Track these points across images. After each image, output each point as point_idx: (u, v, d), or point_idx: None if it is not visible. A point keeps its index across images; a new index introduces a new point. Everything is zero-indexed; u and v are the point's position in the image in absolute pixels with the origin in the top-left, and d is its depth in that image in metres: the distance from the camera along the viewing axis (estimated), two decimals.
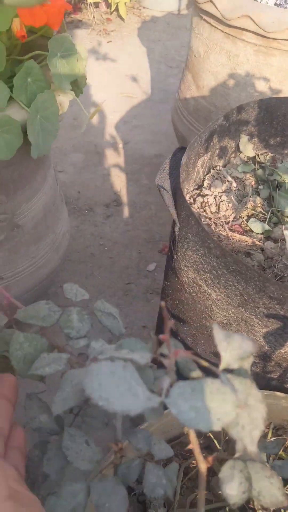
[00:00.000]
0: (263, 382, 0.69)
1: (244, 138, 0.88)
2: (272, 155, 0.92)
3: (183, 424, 0.28)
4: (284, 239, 0.74)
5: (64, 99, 0.85)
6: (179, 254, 0.70)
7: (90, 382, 0.29)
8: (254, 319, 0.62)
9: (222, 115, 0.82)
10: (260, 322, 0.62)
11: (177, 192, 0.69)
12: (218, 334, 0.32)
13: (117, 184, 1.61)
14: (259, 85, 1.17)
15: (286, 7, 1.16)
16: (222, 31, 1.14)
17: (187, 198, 0.81)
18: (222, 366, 0.32)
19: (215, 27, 1.16)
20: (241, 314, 0.63)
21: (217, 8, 1.10)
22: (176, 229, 0.70)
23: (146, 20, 2.58)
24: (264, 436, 0.70)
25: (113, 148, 1.76)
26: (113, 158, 1.72)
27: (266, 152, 0.92)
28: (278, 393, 0.65)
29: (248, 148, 0.88)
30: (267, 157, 0.90)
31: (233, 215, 0.80)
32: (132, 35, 2.47)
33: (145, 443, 0.42)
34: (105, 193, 1.57)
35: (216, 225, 0.77)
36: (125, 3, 2.42)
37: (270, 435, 0.68)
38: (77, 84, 0.89)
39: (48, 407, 0.40)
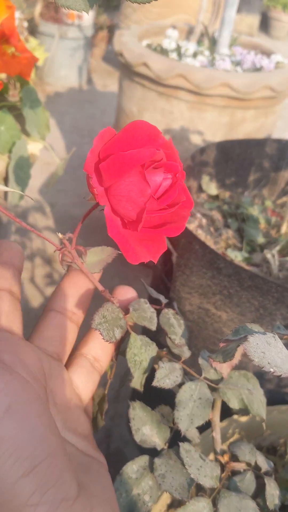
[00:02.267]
0: (279, 397, 0.69)
1: (205, 178, 0.94)
2: (229, 193, 0.98)
3: None
4: (268, 262, 0.78)
5: (35, 148, 0.85)
6: (178, 283, 0.71)
7: (255, 352, 0.28)
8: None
9: (189, 156, 0.86)
10: None
11: None
12: None
13: (51, 247, 1.59)
14: (194, 138, 1.26)
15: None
16: (156, 91, 1.23)
17: None
18: None
19: (149, 87, 1.24)
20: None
21: (151, 69, 1.18)
22: (174, 258, 0.71)
23: (50, 95, 2.68)
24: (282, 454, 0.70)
25: (41, 211, 1.75)
26: (43, 220, 1.71)
27: (223, 191, 0.98)
28: None
29: (211, 187, 0.94)
30: (226, 195, 0.96)
31: (214, 247, 0.83)
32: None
33: (251, 455, 0.40)
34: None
35: None
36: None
37: None
38: (40, 134, 0.89)
39: (152, 416, 0.37)
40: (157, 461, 0.37)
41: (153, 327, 0.36)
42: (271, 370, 0.27)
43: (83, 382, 0.33)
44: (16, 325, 0.29)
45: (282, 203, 0.96)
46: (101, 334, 0.32)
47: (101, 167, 0.27)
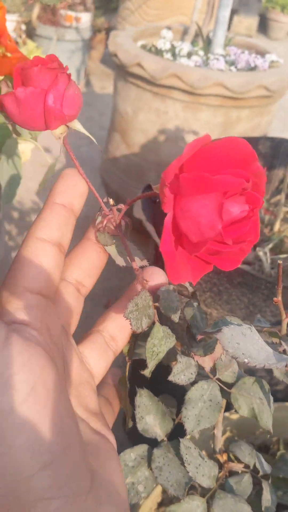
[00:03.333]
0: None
1: None
2: None
3: None
4: (261, 260, 0.78)
5: (26, 147, 0.85)
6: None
7: (229, 343, 0.28)
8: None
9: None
10: None
11: (160, 220, 0.71)
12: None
13: None
14: (189, 138, 1.26)
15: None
16: (151, 91, 1.23)
17: None
18: None
19: (143, 88, 1.24)
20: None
21: (145, 70, 1.18)
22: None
23: None
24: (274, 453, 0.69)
25: (38, 213, 1.76)
26: None
27: None
28: None
29: None
30: None
31: None
32: None
33: (250, 457, 0.40)
34: None
35: None
36: None
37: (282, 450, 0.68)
38: (31, 134, 0.90)
39: (158, 406, 0.37)
40: (156, 452, 0.37)
41: (177, 319, 0.34)
42: (245, 360, 0.27)
43: (95, 358, 0.32)
44: (50, 286, 0.28)
45: (276, 201, 0.96)
46: (130, 323, 0.31)
47: (182, 178, 0.25)
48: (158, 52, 1.32)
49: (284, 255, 0.80)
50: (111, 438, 0.29)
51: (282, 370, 0.31)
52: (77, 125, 0.31)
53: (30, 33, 2.57)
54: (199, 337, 0.33)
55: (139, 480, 0.37)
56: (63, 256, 0.29)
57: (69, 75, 0.28)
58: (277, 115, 2.90)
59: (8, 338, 0.23)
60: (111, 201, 0.31)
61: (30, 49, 2.30)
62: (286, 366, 0.30)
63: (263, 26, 4.54)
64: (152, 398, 0.36)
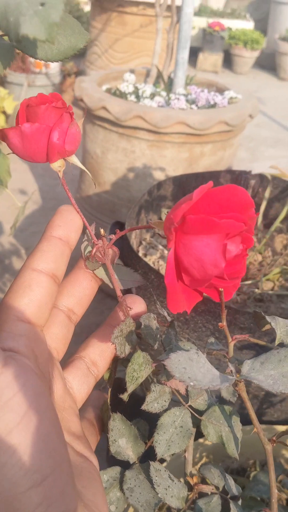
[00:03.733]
0: (242, 418, 0.71)
1: (164, 211, 0.98)
2: None
3: (267, 389, 0.31)
4: None
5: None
6: None
7: (177, 368, 0.31)
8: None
9: (146, 192, 0.90)
10: (242, 360, 0.66)
11: (128, 255, 0.74)
12: (267, 318, 0.36)
13: None
14: (157, 174, 1.31)
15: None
16: (117, 132, 1.28)
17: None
18: (277, 341, 0.36)
19: (110, 129, 1.29)
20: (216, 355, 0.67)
21: (110, 112, 1.24)
22: (133, 290, 0.73)
23: None
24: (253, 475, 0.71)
25: (16, 254, 1.78)
26: (19, 263, 1.73)
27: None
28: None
29: None
30: None
31: None
32: (11, 154, 2.59)
33: (220, 479, 0.42)
34: None
35: None
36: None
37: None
38: (1, 180, 0.93)
39: (131, 430, 0.39)
40: (127, 474, 0.38)
41: (156, 345, 0.36)
42: (191, 383, 0.30)
43: (77, 383, 0.33)
44: (41, 315, 0.29)
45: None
46: (115, 348, 0.32)
47: (189, 219, 0.27)
48: (123, 95, 1.38)
49: (249, 282, 0.84)
50: (94, 460, 0.31)
51: (229, 390, 0.34)
52: (74, 159, 0.34)
53: (1, 81, 2.64)
54: (153, 364, 0.35)
55: (111, 500, 0.38)
56: (57, 287, 0.30)
57: (72, 114, 0.32)
58: (247, 146, 3.00)
59: (6, 364, 0.24)
60: (102, 231, 0.33)
61: (2, 96, 2.36)
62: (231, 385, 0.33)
63: (228, 61, 4.72)
64: (125, 422, 0.38)
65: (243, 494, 0.58)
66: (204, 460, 0.69)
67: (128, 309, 0.35)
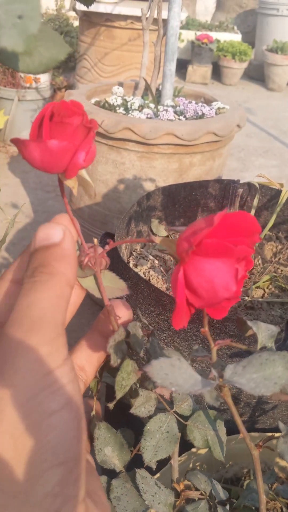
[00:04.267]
0: (236, 427, 0.71)
1: (154, 222, 0.98)
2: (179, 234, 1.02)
3: (249, 393, 0.31)
4: None
5: None
6: None
7: (158, 374, 0.31)
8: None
9: (136, 202, 0.91)
10: (225, 365, 0.66)
11: (118, 265, 0.75)
12: (249, 323, 0.36)
13: None
14: (147, 185, 1.32)
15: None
16: (106, 144, 1.29)
17: None
18: (259, 345, 0.36)
19: (99, 141, 1.30)
20: (206, 361, 0.67)
21: (99, 125, 1.25)
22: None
23: (14, 155, 2.75)
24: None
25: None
26: None
27: (174, 232, 1.03)
28: (253, 434, 0.68)
29: (161, 229, 0.98)
30: (176, 236, 1.01)
31: (164, 286, 0.86)
32: (3, 169, 2.60)
33: (206, 484, 0.42)
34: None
35: None
36: None
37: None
38: None
39: (116, 438, 0.39)
40: (114, 483, 0.38)
41: (142, 353, 0.37)
42: (173, 389, 0.30)
43: None
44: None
45: None
46: (111, 357, 0.33)
47: (205, 243, 0.28)
48: (111, 107, 1.39)
49: None
50: (90, 459, 0.33)
51: (213, 395, 0.34)
52: (84, 173, 0.34)
53: None
54: (139, 373, 0.35)
55: None
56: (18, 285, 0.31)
57: (94, 131, 0.31)
58: (237, 156, 3.02)
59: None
60: (95, 241, 0.33)
61: None
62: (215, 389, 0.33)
63: (217, 73, 4.77)
64: (110, 430, 0.38)
65: (237, 503, 0.58)
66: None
67: (118, 318, 0.35)
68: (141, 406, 0.36)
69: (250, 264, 0.30)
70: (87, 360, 0.36)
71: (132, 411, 0.37)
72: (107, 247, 0.35)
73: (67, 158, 0.30)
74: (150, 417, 0.38)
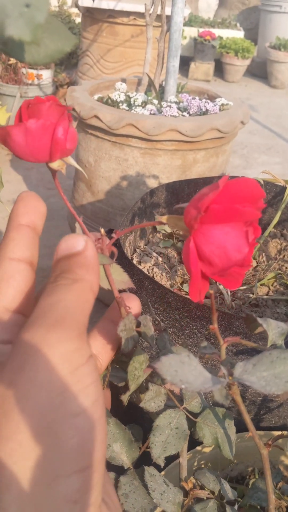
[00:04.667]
0: (241, 426, 0.70)
1: (157, 218, 0.97)
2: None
3: (259, 391, 0.31)
4: (222, 293, 0.81)
5: None
6: None
7: (168, 371, 0.30)
8: None
9: (139, 199, 0.90)
10: (235, 363, 0.65)
11: (122, 262, 0.74)
12: (259, 320, 0.35)
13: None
14: (150, 182, 1.31)
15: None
16: (109, 141, 1.28)
17: None
18: (270, 342, 0.35)
19: (102, 138, 1.30)
20: (210, 359, 0.66)
21: (102, 121, 1.24)
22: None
23: None
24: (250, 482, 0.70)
25: None
26: None
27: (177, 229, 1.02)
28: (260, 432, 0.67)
29: (165, 226, 0.97)
30: (180, 233, 1.00)
31: (168, 283, 0.85)
32: (6, 166, 2.60)
33: (215, 484, 0.42)
34: None
35: None
36: None
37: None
38: None
39: (125, 434, 0.38)
40: (122, 479, 0.38)
41: (154, 346, 0.37)
42: (182, 386, 0.29)
43: None
44: (29, 305, 0.29)
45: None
46: (121, 341, 0.32)
47: (212, 208, 0.28)
48: (114, 104, 1.38)
49: (244, 287, 0.84)
50: None
51: (222, 393, 0.33)
52: (70, 160, 0.34)
53: None
54: (146, 369, 0.35)
55: None
56: (35, 274, 0.30)
57: (69, 115, 0.32)
58: (240, 153, 3.01)
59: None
60: (102, 231, 0.33)
61: None
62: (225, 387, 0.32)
63: (220, 70, 4.75)
64: (119, 426, 0.38)
65: (243, 502, 0.58)
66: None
67: (128, 308, 0.35)
68: (150, 401, 0.36)
69: (258, 231, 0.30)
70: (103, 349, 0.35)
71: (141, 404, 0.36)
72: (113, 238, 0.34)
73: (47, 137, 0.30)
74: (158, 413, 0.37)
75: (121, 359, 0.36)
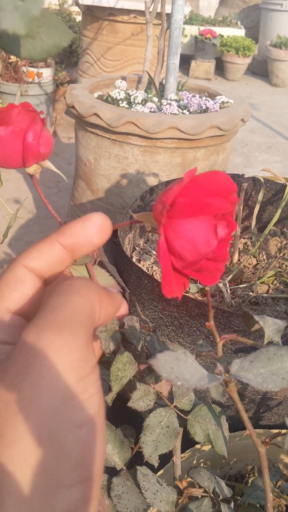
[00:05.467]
0: (240, 424, 0.70)
1: None
2: None
3: (256, 388, 0.31)
4: (221, 291, 0.81)
5: None
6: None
7: (163, 367, 0.30)
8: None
9: (139, 197, 0.90)
10: (231, 360, 0.65)
11: (121, 260, 0.74)
12: (255, 317, 0.35)
13: None
14: (150, 180, 1.31)
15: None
16: (109, 138, 1.28)
17: None
18: (266, 340, 0.35)
19: (102, 136, 1.29)
20: (210, 357, 0.66)
21: (102, 119, 1.24)
22: (127, 295, 0.73)
23: None
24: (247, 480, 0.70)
25: None
26: None
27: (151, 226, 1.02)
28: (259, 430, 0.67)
29: None
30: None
31: None
32: None
33: (210, 481, 0.41)
34: None
35: None
36: None
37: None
38: None
39: (116, 435, 0.38)
40: (115, 481, 0.37)
41: (139, 347, 0.36)
42: (179, 383, 0.29)
43: None
44: (32, 311, 0.28)
45: (234, 234, 0.99)
46: (100, 341, 0.32)
47: (179, 202, 0.28)
48: (114, 101, 1.38)
49: (244, 285, 0.83)
50: None
51: (219, 390, 0.33)
52: (48, 163, 0.34)
53: None
54: (141, 366, 0.34)
55: None
56: (44, 287, 0.29)
57: (43, 119, 0.31)
58: (241, 151, 3.01)
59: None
60: None
61: None
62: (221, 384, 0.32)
63: (221, 68, 4.75)
64: (110, 427, 0.38)
65: (242, 501, 0.57)
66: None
67: None
68: (139, 400, 0.35)
69: (233, 226, 0.29)
70: (95, 345, 0.35)
71: (129, 404, 0.36)
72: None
73: (19, 143, 0.30)
74: (150, 411, 0.37)
75: (107, 360, 0.36)
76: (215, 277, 0.31)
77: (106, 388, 0.38)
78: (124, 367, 0.35)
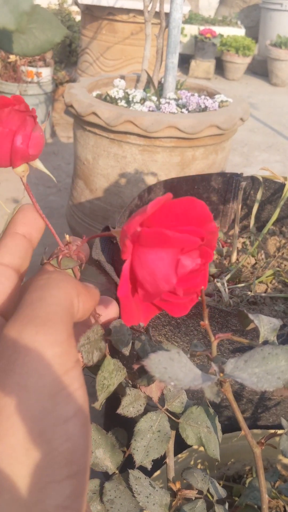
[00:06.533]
0: (238, 424, 0.70)
1: None
2: None
3: (251, 388, 0.30)
4: (219, 290, 0.80)
5: None
6: None
7: (156, 368, 0.30)
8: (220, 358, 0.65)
9: (137, 196, 0.89)
10: (226, 360, 0.65)
11: (119, 259, 0.73)
12: (250, 316, 0.35)
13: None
14: (148, 179, 1.30)
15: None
16: (108, 138, 1.28)
17: None
18: (261, 339, 0.34)
19: (100, 135, 1.29)
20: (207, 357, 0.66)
21: (100, 118, 1.23)
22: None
23: None
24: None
25: None
26: None
27: None
28: (255, 431, 0.67)
29: None
30: None
31: None
32: None
33: (203, 483, 0.41)
34: None
35: None
36: None
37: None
38: None
39: (107, 439, 0.38)
40: (107, 485, 0.37)
41: (128, 352, 0.35)
42: (172, 383, 0.29)
43: None
44: (10, 309, 0.29)
45: (233, 233, 0.99)
46: (81, 356, 0.32)
47: (143, 232, 0.26)
48: (113, 100, 1.37)
49: (242, 284, 0.83)
50: None
51: (213, 391, 0.32)
52: (38, 163, 0.33)
53: None
54: (135, 366, 0.34)
55: None
56: (21, 282, 0.30)
57: (35, 117, 0.31)
58: (241, 151, 3.00)
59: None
60: (67, 237, 0.33)
61: None
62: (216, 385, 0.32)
63: (220, 68, 4.74)
64: (100, 431, 0.37)
65: (239, 501, 0.57)
66: (199, 467, 0.68)
67: (98, 315, 0.34)
68: (129, 406, 0.35)
69: (208, 256, 0.27)
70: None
71: (119, 411, 0.35)
72: (79, 243, 0.33)
73: (7, 145, 0.30)
74: (140, 415, 0.37)
75: (96, 364, 0.35)
76: (185, 307, 0.29)
77: (94, 391, 0.37)
78: (111, 375, 0.34)
